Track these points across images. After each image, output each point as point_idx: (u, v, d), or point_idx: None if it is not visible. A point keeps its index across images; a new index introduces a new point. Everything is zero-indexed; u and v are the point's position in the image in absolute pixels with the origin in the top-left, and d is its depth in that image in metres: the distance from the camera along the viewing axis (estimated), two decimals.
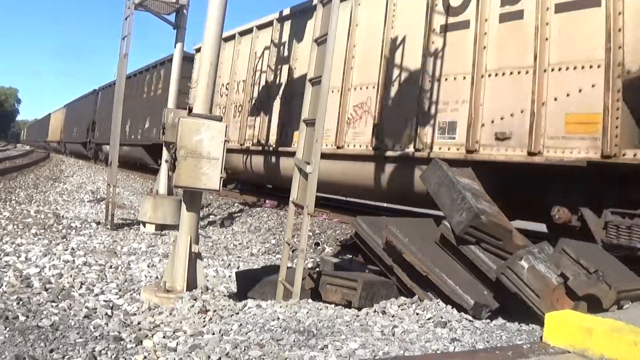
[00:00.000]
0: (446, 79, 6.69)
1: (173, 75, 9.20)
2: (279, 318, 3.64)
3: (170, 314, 3.86)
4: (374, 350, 3.10)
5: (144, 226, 8.35)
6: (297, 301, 4.03)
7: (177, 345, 3.26)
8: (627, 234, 5.11)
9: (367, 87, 7.93)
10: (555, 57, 5.60)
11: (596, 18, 5.28)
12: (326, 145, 7.97)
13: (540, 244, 4.38)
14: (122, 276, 5.05)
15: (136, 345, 3.28)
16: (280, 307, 3.91)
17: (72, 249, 6.08)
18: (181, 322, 3.68)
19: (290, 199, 4.44)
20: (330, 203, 11.14)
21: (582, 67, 5.36)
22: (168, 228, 8.16)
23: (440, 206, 4.88)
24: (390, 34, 7.56)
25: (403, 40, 7.41)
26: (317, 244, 7.59)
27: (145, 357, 3.11)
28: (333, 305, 4.13)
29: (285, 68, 10.19)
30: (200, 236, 5.16)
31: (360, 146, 7.90)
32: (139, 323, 3.71)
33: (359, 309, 4.10)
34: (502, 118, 6.01)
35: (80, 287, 4.55)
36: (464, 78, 6.44)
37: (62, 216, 8.56)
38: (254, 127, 10.99)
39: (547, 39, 5.65)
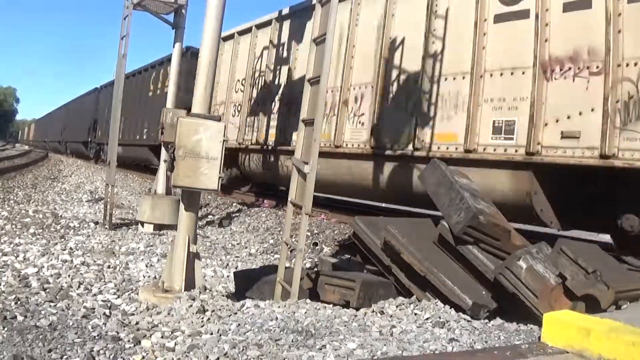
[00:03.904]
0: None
1: (172, 75, 9.18)
2: (277, 318, 3.64)
3: (169, 313, 3.85)
4: (372, 351, 3.10)
5: (142, 226, 8.34)
6: (296, 301, 4.03)
7: (175, 345, 3.26)
8: None
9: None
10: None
11: None
12: None
13: (539, 244, 4.38)
14: (120, 276, 5.04)
15: (134, 345, 3.27)
16: (279, 307, 3.91)
17: (71, 248, 6.08)
18: (179, 322, 3.68)
19: (289, 198, 4.44)
20: (328, 203, 11.13)
21: None
22: (166, 228, 8.15)
23: (438, 206, 4.88)
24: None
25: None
26: (315, 244, 7.59)
27: (143, 357, 3.10)
28: (331, 305, 4.13)
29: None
30: (198, 236, 5.17)
31: None
32: (137, 323, 3.71)
33: (357, 309, 4.11)
34: (568, 117, 5.55)
35: (79, 287, 4.54)
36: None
37: (61, 216, 8.55)
38: (279, 125, 10.41)
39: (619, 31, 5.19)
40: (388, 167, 7.70)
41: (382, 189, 7.97)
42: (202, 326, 3.58)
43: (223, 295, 4.33)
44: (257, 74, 11.54)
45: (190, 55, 14.89)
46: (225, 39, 12.46)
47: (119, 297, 4.40)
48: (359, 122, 8.24)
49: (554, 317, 3.27)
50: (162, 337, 3.42)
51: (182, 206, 4.41)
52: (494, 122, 6.20)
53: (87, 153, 29.33)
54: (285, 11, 10.78)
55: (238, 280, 4.76)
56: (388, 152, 7.59)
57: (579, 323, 3.13)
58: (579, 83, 5.48)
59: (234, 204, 11.78)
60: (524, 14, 6.04)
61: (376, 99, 7.89)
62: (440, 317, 3.90)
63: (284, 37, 10.77)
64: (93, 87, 29.78)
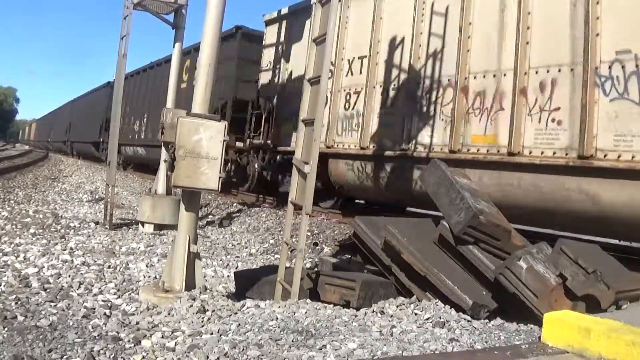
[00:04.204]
0: None
1: (172, 75, 9.18)
2: (277, 318, 3.64)
3: (169, 314, 3.85)
4: (373, 351, 3.10)
5: (143, 226, 8.34)
6: (296, 301, 4.03)
7: (175, 345, 3.26)
8: None
9: None
10: None
11: None
12: None
13: (539, 244, 4.38)
14: (120, 276, 5.04)
15: (135, 345, 3.27)
16: (279, 307, 3.91)
17: (71, 248, 6.08)
18: (179, 322, 3.68)
19: (289, 198, 4.45)
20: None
21: None
22: (167, 228, 8.16)
23: (439, 206, 4.88)
24: None
25: None
26: (315, 244, 7.59)
27: (143, 357, 3.10)
28: (331, 305, 4.13)
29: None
30: (198, 236, 5.16)
31: None
32: (137, 323, 3.71)
33: (358, 309, 4.11)
34: None
35: (79, 287, 4.54)
36: None
37: (61, 216, 8.55)
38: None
39: None
40: (611, 187, 5.47)
41: (605, 217, 5.60)
42: (202, 326, 3.58)
43: (223, 295, 4.33)
44: (382, 50, 8.37)
45: (242, 36, 13.24)
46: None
47: (119, 297, 4.40)
48: (551, 119, 6.10)
49: (554, 317, 3.27)
50: (162, 337, 3.43)
51: (182, 206, 4.41)
52: None
53: (98, 155, 26.19)
54: None
55: (238, 280, 4.76)
56: (611, 164, 5.46)
57: (579, 323, 3.13)
58: None
59: (234, 204, 11.79)
60: None
61: (585, 86, 5.74)
62: (440, 317, 3.90)
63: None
64: (105, 82, 26.28)
